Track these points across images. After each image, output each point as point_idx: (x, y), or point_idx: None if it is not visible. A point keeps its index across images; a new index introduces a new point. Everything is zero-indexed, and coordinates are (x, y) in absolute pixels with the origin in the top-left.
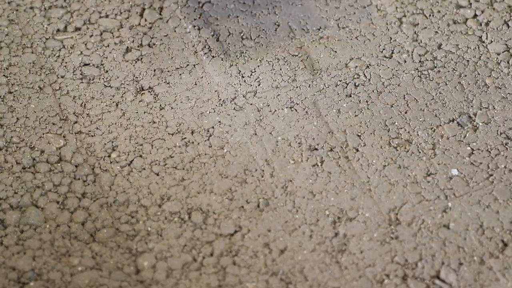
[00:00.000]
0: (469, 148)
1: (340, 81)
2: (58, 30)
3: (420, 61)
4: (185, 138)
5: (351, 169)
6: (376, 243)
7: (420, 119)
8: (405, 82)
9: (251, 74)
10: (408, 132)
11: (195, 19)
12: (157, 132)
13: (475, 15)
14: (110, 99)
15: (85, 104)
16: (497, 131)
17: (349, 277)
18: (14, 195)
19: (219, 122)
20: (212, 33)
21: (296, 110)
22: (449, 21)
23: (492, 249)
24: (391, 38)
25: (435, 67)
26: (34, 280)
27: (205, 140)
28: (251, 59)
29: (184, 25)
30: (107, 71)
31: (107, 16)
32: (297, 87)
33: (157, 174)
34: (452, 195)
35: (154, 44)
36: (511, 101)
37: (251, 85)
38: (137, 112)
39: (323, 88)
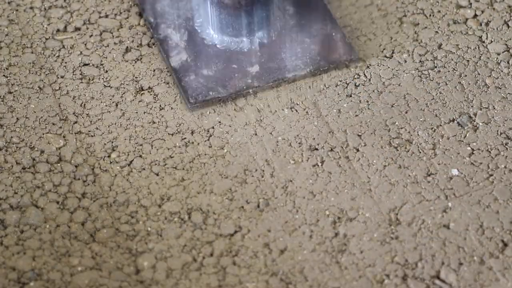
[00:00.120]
0: (469, 148)
1: (340, 81)
2: (58, 30)
3: (420, 61)
4: (185, 138)
5: (352, 169)
6: (376, 243)
7: (421, 119)
8: (406, 82)
9: None
10: (409, 132)
11: None
12: (157, 132)
13: (475, 15)
14: (110, 99)
15: (84, 104)
16: (497, 131)
17: (349, 277)
18: (14, 195)
19: (219, 122)
20: None
21: (297, 111)
22: (449, 21)
23: (492, 249)
24: (391, 38)
25: (436, 67)
26: (34, 280)
27: (205, 140)
28: None
29: None
30: (106, 71)
31: (106, 16)
32: (297, 88)
33: (157, 174)
34: (452, 195)
35: (153, 44)
36: (511, 101)
37: None
38: (136, 112)
39: (323, 89)
